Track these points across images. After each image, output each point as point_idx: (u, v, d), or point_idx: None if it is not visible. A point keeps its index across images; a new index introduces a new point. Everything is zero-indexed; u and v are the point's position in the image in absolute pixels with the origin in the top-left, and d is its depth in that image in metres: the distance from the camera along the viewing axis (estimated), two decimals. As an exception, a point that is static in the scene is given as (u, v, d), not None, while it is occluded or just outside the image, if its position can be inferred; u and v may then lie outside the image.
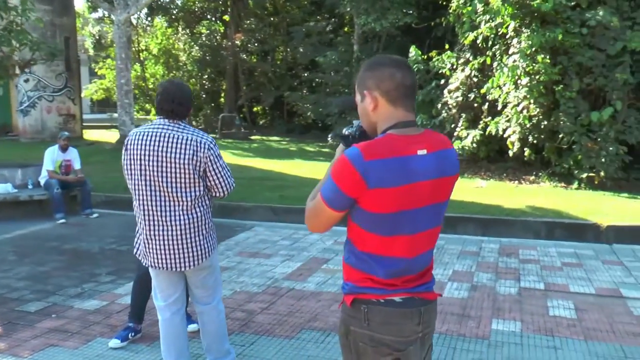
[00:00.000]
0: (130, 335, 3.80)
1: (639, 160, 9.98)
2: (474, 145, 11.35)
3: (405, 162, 1.75)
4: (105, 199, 8.67)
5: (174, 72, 21.92)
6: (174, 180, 2.91)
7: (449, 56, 12.11)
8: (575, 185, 9.77)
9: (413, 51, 13.08)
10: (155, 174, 2.89)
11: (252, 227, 7.42)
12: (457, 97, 11.63)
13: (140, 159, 2.91)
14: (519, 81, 9.91)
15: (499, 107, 10.84)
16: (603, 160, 9.17)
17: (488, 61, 10.85)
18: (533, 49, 9.41)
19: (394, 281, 1.86)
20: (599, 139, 9.27)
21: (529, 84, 9.58)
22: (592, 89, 9.54)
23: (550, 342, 3.83)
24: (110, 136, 18.66)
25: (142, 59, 21.19)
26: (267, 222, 7.82)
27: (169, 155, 2.89)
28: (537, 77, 9.50)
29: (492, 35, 10.80)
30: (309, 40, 19.02)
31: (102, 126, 22.56)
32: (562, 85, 9.51)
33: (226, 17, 22.85)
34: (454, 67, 12.07)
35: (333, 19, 20.21)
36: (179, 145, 2.90)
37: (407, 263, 1.86)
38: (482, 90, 10.60)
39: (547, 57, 9.40)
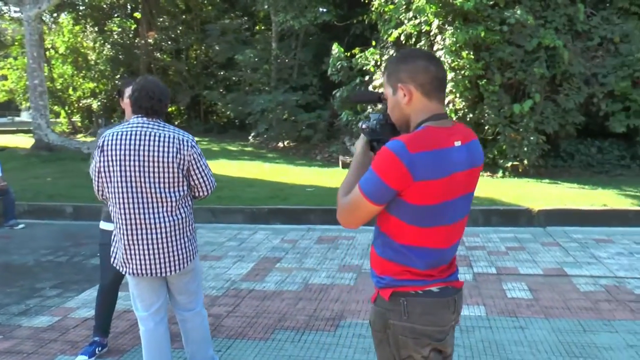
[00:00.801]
0: (97, 350, 3.56)
1: (555, 149, 10.66)
2: (403, 139, 11.63)
3: (445, 154, 1.76)
4: (29, 208, 8.07)
5: (85, 71, 20.77)
6: (158, 179, 2.75)
7: (372, 53, 12.34)
8: (500, 174, 10.27)
9: (336, 48, 13.22)
10: (139, 174, 2.72)
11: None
12: (383, 92, 11.84)
13: (121, 160, 2.72)
14: (444, 76, 10.26)
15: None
16: (525, 149, 9.71)
17: (414, 57, 11.16)
18: (458, 46, 9.78)
19: (432, 272, 1.87)
20: (520, 130, 9.81)
21: (454, 79, 9.95)
22: (512, 82, 10.07)
23: (515, 322, 4.00)
24: (21, 141, 17.46)
25: (47, 57, 19.88)
26: (207, 223, 7.61)
27: (152, 154, 2.73)
28: (462, 72, 9.89)
29: (416, 33, 11.11)
30: (224, 38, 18.69)
31: (6, 131, 20.98)
32: (485, 80, 9.96)
33: (137, 15, 21.97)
34: (378, 63, 12.32)
35: (247, 17, 19.99)
36: (162, 144, 2.75)
37: (444, 253, 1.88)
38: (410, 86, 10.87)
39: (471, 53, 9.81)
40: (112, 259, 2.94)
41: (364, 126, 2.11)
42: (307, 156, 14.10)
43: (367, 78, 12.55)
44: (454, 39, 9.74)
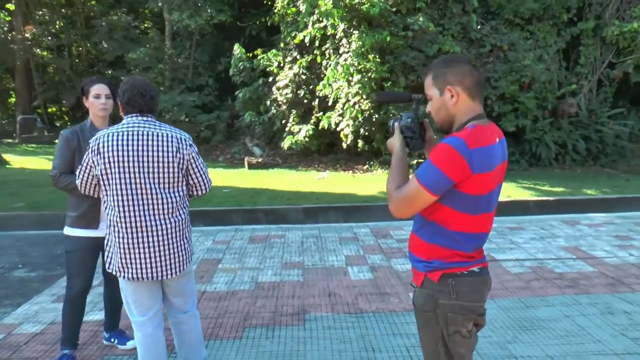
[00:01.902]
0: (69, 363, 3.35)
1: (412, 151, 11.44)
2: (307, 139, 11.88)
3: (492, 149, 1.97)
4: None
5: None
6: (158, 180, 2.69)
7: (275, 54, 12.48)
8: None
9: (237, 49, 13.19)
10: (139, 176, 2.64)
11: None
12: (287, 93, 12.04)
13: (119, 161, 2.63)
14: (351, 78, 10.66)
15: (330, 103, 11.51)
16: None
17: (319, 60, 11.46)
18: (364, 49, 10.21)
19: (475, 254, 2.07)
20: (423, 130, 10.44)
21: (361, 81, 10.37)
22: (415, 85, 10.69)
23: (466, 305, 4.34)
24: None
25: None
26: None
27: (152, 153, 2.66)
28: (369, 74, 10.34)
29: (320, 36, 11.41)
30: (113, 35, 17.83)
31: None
32: (390, 82, 10.50)
33: (10, 6, 20.21)
34: (281, 65, 12.47)
35: (134, 14, 19.21)
36: (161, 143, 2.69)
37: (485, 237, 2.10)
38: (318, 87, 11.16)
39: (377, 56, 10.29)
40: (107, 265, 2.81)
41: (397, 124, 2.26)
42: (209, 157, 13.87)
43: (270, 79, 12.65)
44: (361, 43, 10.16)
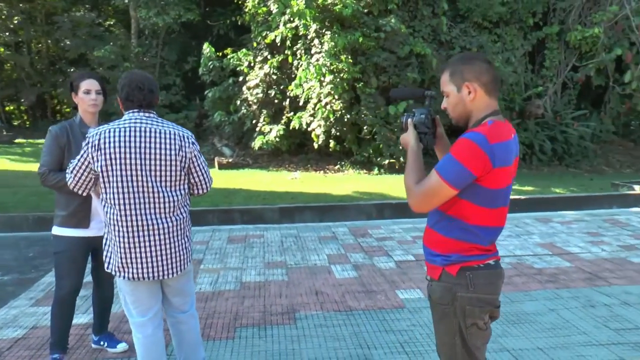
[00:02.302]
0: (59, 367, 3.25)
1: (424, 148, 11.61)
2: (277, 139, 11.85)
3: (510, 144, 2.02)
4: None
5: None
6: (160, 179, 2.64)
7: (245, 54, 12.40)
8: (376, 171, 10.96)
9: (207, 48, 13.05)
10: (141, 173, 2.59)
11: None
12: (258, 93, 11.97)
13: (121, 158, 2.56)
14: (323, 78, 10.68)
15: (301, 103, 11.51)
16: (400, 148, 10.48)
17: (290, 60, 11.44)
18: (337, 50, 10.25)
19: (490, 247, 2.11)
20: (395, 130, 10.56)
21: (333, 81, 10.40)
22: (387, 85, 10.79)
23: (453, 301, 4.41)
24: None
25: None
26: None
27: (155, 151, 2.61)
28: (341, 75, 10.38)
29: (291, 36, 11.39)
30: (76, 32, 17.38)
31: None
32: (362, 83, 10.56)
33: (-39, 0, 19.44)
34: (252, 64, 12.40)
35: (98, 11, 18.79)
36: (164, 140, 2.64)
37: (500, 230, 2.14)
38: (290, 87, 11.13)
39: (349, 57, 10.34)
40: (106, 265, 2.74)
41: (410, 120, 2.28)
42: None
43: (240, 79, 12.56)
44: (333, 44, 10.20)
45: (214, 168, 11.82)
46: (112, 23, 19.28)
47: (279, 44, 11.48)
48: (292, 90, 11.19)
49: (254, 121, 12.11)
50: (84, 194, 2.78)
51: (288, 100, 11.68)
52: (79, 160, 2.67)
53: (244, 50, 12.29)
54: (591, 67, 10.95)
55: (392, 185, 9.16)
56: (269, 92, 11.74)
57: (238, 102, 12.30)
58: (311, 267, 5.38)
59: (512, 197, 7.68)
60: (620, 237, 6.26)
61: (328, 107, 10.75)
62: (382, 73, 10.67)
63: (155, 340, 2.81)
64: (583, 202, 7.96)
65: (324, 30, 10.68)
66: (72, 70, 18.09)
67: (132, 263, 2.65)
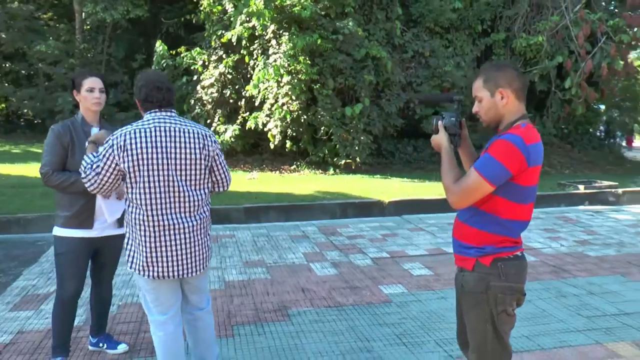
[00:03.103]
0: (65, 370, 3.20)
1: (378, 148, 11.93)
2: (233, 139, 11.82)
3: (540, 145, 2.22)
4: None
5: None
6: (187, 177, 2.67)
7: (199, 53, 12.29)
8: (332, 171, 11.15)
9: (160, 46, 12.83)
10: (168, 173, 2.61)
11: (58, 238, 6.51)
12: (212, 93, 11.90)
13: (149, 158, 2.57)
14: (280, 79, 10.76)
15: (257, 103, 11.53)
16: (356, 148, 10.72)
17: (247, 60, 11.44)
18: (295, 51, 10.35)
19: (519, 240, 2.30)
20: (351, 131, 10.79)
21: (291, 82, 10.50)
22: (343, 87, 11.00)
23: (435, 294, 4.62)
24: None
25: None
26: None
27: (181, 150, 2.64)
28: (299, 76, 10.49)
29: (247, 35, 11.40)
30: (13, 25, 16.61)
31: None
32: (319, 84, 10.72)
33: None
34: (206, 63, 12.30)
35: (38, 3, 18.02)
36: (189, 139, 2.67)
37: (528, 224, 2.32)
38: (248, 87, 11.13)
39: (307, 58, 10.47)
40: (128, 265, 2.73)
41: (440, 122, 2.43)
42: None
43: (195, 78, 12.42)
44: (291, 45, 10.30)
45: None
46: (52, 17, 18.53)
47: (234, 44, 11.45)
48: (248, 90, 11.19)
49: (208, 121, 12.01)
50: (109, 195, 2.76)
51: (243, 100, 11.67)
52: (103, 162, 2.62)
53: (197, 49, 12.16)
54: (535, 73, 11.58)
55: (352, 185, 9.36)
56: (224, 91, 11.69)
57: (192, 102, 12.16)
58: (290, 265, 5.46)
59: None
60: (574, 233, 6.72)
61: (285, 107, 10.83)
62: (339, 75, 10.87)
63: (176, 338, 2.83)
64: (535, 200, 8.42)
65: (281, 31, 10.75)
66: (7, 65, 17.28)
67: (157, 262, 2.66)
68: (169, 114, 2.72)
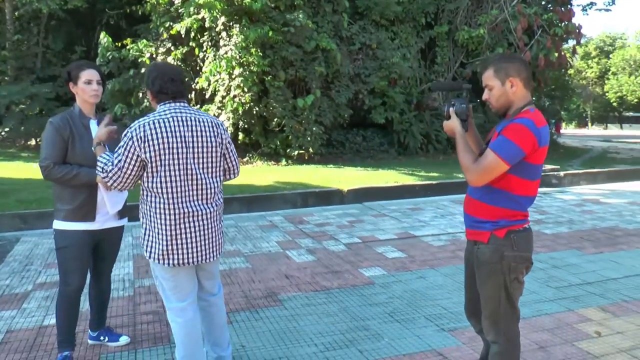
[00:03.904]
0: (74, 365, 3.18)
1: (328, 138, 12.12)
2: (182, 133, 11.66)
3: (547, 128, 2.46)
4: None
5: None
6: (204, 165, 2.75)
7: (146, 45, 12.05)
8: (284, 162, 11.26)
9: (105, 37, 12.46)
10: (187, 161, 2.67)
11: (21, 238, 6.31)
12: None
13: (170, 148, 2.62)
14: (232, 71, 10.74)
15: (207, 95, 11.46)
16: (309, 139, 10.88)
17: (197, 52, 11.33)
18: (246, 43, 10.36)
19: (527, 214, 2.53)
20: (303, 122, 10.93)
21: (243, 74, 10.51)
22: (294, 79, 11.11)
23: (414, 275, 4.87)
24: None
25: None
26: (18, 231, 6.72)
27: (199, 139, 2.71)
28: (251, 68, 10.52)
29: (197, 27, 11.28)
30: None
31: None
32: (270, 76, 10.78)
33: None
34: (154, 56, 12.07)
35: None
36: (205, 128, 2.75)
37: (534, 199, 2.56)
38: (201, 80, 11.03)
39: (259, 50, 10.50)
40: (147, 255, 2.77)
41: (452, 109, 2.62)
42: (71, 153, 12.91)
43: (142, 70, 12.16)
44: (243, 37, 10.30)
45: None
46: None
47: (183, 36, 11.30)
48: (199, 82, 11.09)
49: (158, 114, 11.79)
50: (132, 188, 2.78)
51: (194, 92, 11.56)
52: (124, 155, 2.63)
53: (144, 41, 11.90)
54: (477, 64, 12.12)
55: (309, 175, 9.52)
56: (174, 84, 11.48)
57: (140, 95, 11.90)
58: (267, 254, 5.57)
59: (425, 182, 8.43)
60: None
61: (237, 99, 10.83)
62: (290, 67, 10.97)
63: (195, 324, 2.90)
64: (485, 184, 8.90)
65: (232, 24, 10.72)
66: None
67: (176, 249, 2.72)
68: (182, 104, 2.78)
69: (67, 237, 3.21)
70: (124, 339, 3.56)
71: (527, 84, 2.49)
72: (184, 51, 11.38)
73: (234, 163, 2.96)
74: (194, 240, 2.75)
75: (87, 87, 3.25)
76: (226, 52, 10.67)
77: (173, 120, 2.68)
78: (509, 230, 2.47)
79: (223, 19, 10.63)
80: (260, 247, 5.80)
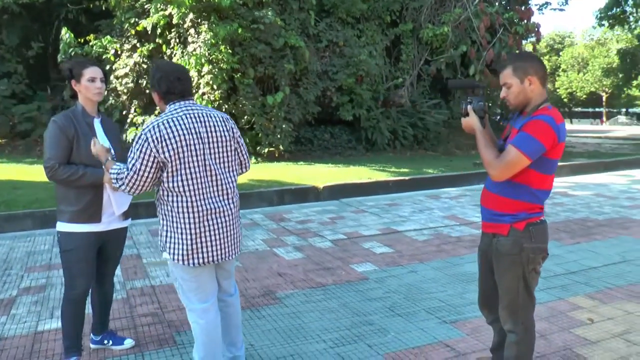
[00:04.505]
0: (85, 369, 3.11)
1: (298, 136, 12.13)
2: (149, 131, 11.45)
3: (564, 124, 2.56)
4: None
5: None
6: (221, 160, 2.75)
7: (110, 41, 11.75)
8: (254, 160, 11.20)
9: (67, 33, 12.05)
10: (205, 158, 2.67)
11: (-6, 241, 6.08)
12: (127, 83, 11.46)
13: (188, 145, 2.61)
14: (201, 68, 10.60)
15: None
16: (279, 136, 10.87)
17: (164, 49, 11.13)
18: (216, 40, 10.24)
19: (543, 206, 2.64)
20: (273, 119, 10.91)
21: (212, 72, 10.39)
22: (263, 76, 11.06)
23: (405, 269, 4.96)
24: None
25: None
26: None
27: (214, 135, 2.71)
28: (220, 65, 10.41)
29: (163, 24, 11.07)
30: None
31: None
32: (240, 74, 10.70)
33: None
34: (119, 53, 11.78)
35: None
36: (217, 123, 2.75)
37: (550, 192, 2.67)
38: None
39: (228, 47, 10.40)
40: (170, 256, 2.73)
41: (470, 107, 2.70)
42: (31, 153, 12.48)
43: (107, 67, 11.84)
44: (212, 34, 10.18)
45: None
46: None
47: (149, 32, 11.08)
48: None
49: (124, 112, 11.55)
50: (149, 190, 2.73)
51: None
52: (141, 159, 2.57)
53: (108, 37, 11.59)
54: (441, 62, 12.38)
55: (282, 173, 9.52)
56: (139, 81, 11.28)
57: (105, 92, 11.56)
58: (255, 252, 5.55)
59: (397, 178, 8.57)
60: (502, 207, 7.39)
61: (206, 97, 10.71)
62: (259, 64, 10.92)
63: (217, 325, 2.88)
64: (457, 179, 9.14)
65: (200, 20, 10.58)
66: None
67: (201, 248, 2.70)
68: (191, 102, 2.76)
69: (73, 240, 3.13)
70: (128, 342, 3.51)
71: (544, 82, 2.60)
72: (150, 48, 11.16)
73: (245, 157, 2.96)
74: (216, 238, 2.74)
75: (90, 85, 3.18)
76: (195, 50, 10.52)
77: (186, 118, 2.66)
78: (528, 222, 2.57)
79: (191, 15, 10.47)
80: (247, 246, 5.78)
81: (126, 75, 11.30)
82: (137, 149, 2.60)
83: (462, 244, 5.71)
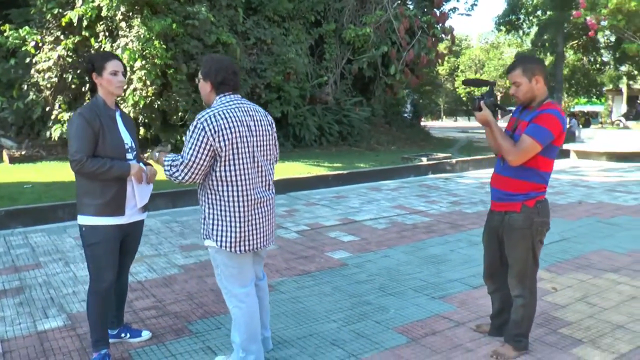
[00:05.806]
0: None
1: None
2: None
3: (565, 116, 3.03)
4: None
5: None
6: (266, 152, 2.95)
7: (30, 32, 11.07)
8: (185, 156, 11.11)
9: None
10: (252, 149, 2.85)
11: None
12: (51, 77, 10.88)
13: (242, 137, 2.79)
14: (133, 63, 10.34)
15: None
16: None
17: (92, 42, 10.70)
18: (150, 35, 10.05)
19: (547, 186, 3.10)
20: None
21: (146, 67, 10.18)
22: (195, 72, 10.97)
23: (378, 254, 5.32)
24: None
25: None
26: None
27: (261, 128, 2.91)
28: (154, 60, 10.22)
29: (91, 16, 10.62)
30: None
31: None
32: (173, 69, 10.57)
33: None
34: (40, 45, 11.13)
35: None
36: (263, 118, 2.96)
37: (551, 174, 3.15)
38: (95, 72, 10.41)
39: (162, 43, 10.24)
40: (218, 244, 2.86)
41: (482, 103, 3.09)
42: None
43: (27, 60, 11.12)
44: (146, 28, 9.98)
45: (2, 163, 10.37)
46: None
47: (74, 24, 10.60)
48: (94, 75, 10.48)
49: (47, 108, 10.95)
50: (200, 181, 2.84)
51: (88, 85, 10.88)
52: (197, 147, 2.70)
53: (27, 28, 10.91)
54: (363, 61, 12.95)
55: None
56: (64, 76, 10.76)
57: (25, 87, 10.92)
58: (226, 246, 5.65)
59: (334, 172, 8.96)
60: (443, 196, 8.02)
61: (138, 93, 10.47)
62: (191, 60, 10.84)
63: (257, 307, 3.05)
64: (390, 173, 9.68)
65: (132, 14, 10.31)
66: None
67: (249, 236, 2.88)
68: (239, 95, 2.93)
69: (99, 233, 3.14)
70: (146, 334, 3.56)
71: (546, 81, 3.06)
72: (75, 41, 10.66)
73: (278, 151, 3.17)
74: (261, 226, 2.92)
75: (113, 79, 3.21)
76: (126, 44, 10.23)
77: (239, 111, 2.83)
78: (537, 200, 3.02)
79: (123, 8, 10.17)
80: (214, 240, 5.85)
81: (49, 69, 10.74)
82: (195, 138, 2.72)
83: (419, 230, 6.19)
